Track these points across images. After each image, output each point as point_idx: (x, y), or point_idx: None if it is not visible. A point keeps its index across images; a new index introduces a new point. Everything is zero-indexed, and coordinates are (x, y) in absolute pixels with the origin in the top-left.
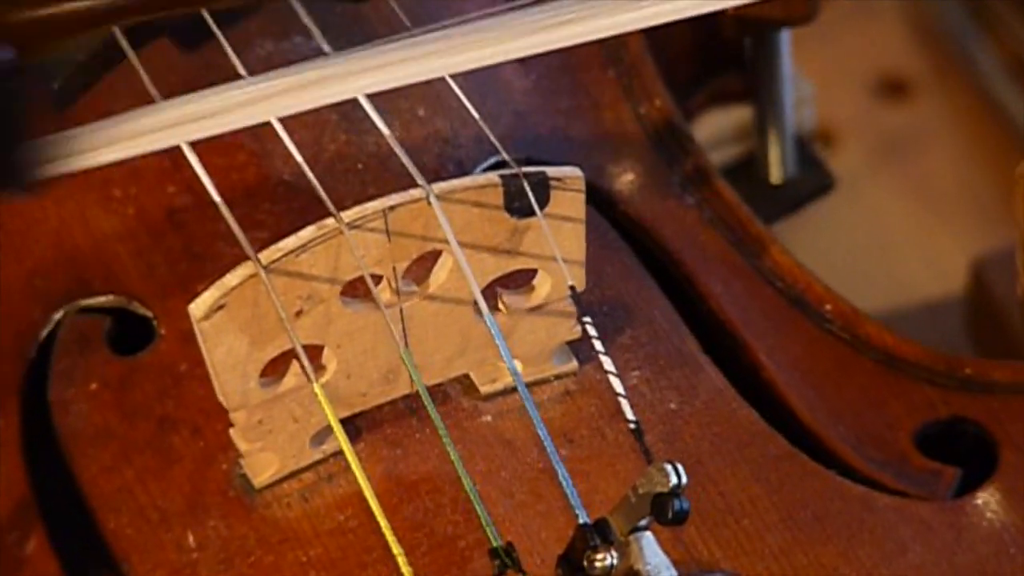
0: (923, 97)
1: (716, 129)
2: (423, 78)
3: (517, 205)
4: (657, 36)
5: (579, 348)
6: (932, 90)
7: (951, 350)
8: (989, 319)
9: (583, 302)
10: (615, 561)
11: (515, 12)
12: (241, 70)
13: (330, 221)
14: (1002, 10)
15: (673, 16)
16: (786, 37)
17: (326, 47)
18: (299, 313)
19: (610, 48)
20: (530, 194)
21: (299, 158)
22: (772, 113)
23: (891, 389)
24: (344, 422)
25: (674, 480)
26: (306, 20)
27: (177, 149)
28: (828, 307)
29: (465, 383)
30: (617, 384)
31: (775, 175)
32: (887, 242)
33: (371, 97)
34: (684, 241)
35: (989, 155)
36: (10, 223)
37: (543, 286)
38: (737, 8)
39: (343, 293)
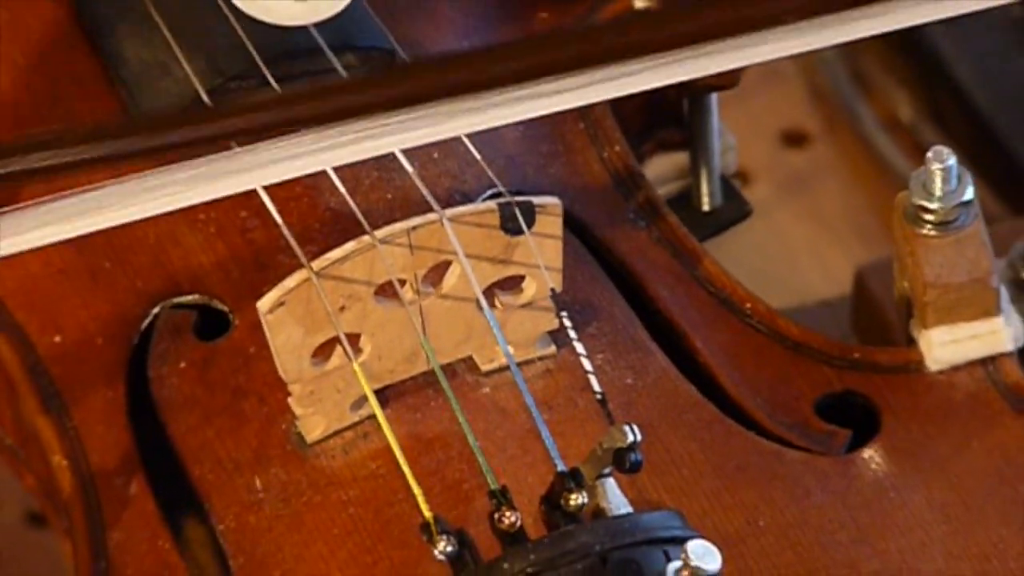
0: (818, 144)
1: (661, 170)
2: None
3: (510, 226)
4: (615, 98)
5: (556, 336)
6: (825, 139)
7: (842, 339)
8: (870, 315)
9: (560, 301)
10: (586, 500)
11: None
12: None
13: (367, 237)
14: (878, 76)
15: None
16: (715, 99)
17: None
18: (342, 308)
19: (580, 107)
20: (520, 218)
21: (343, 190)
22: (704, 158)
23: (796, 369)
24: (376, 392)
25: (631, 438)
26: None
27: None
28: (748, 306)
29: (468, 362)
30: (587, 364)
31: (705, 205)
32: (791, 255)
33: None
34: (637, 255)
35: (869, 189)
36: (119, 241)
37: (529, 288)
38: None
39: (376, 293)
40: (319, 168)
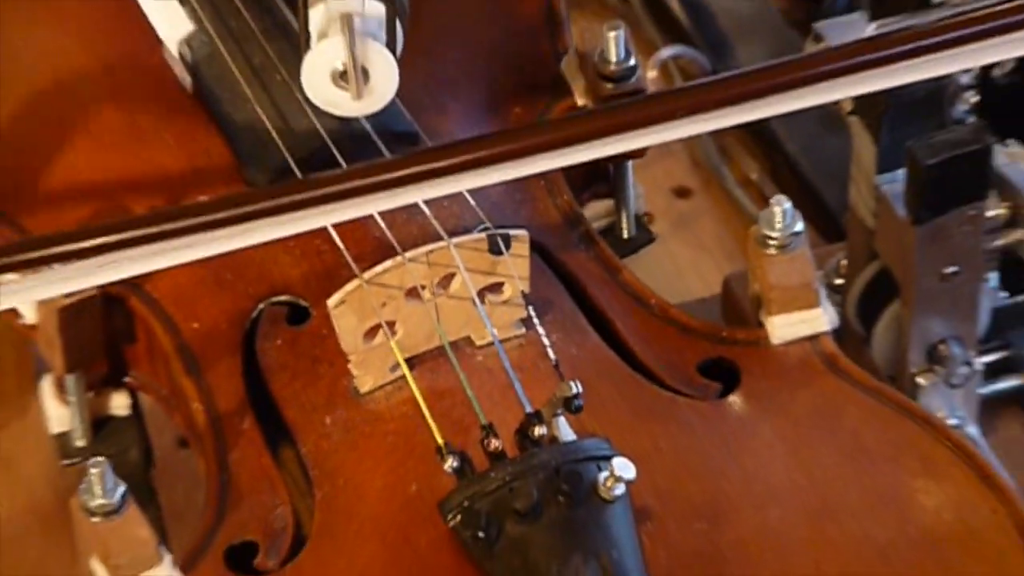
0: (697, 196)
1: (595, 211)
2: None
3: (494, 249)
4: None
5: (526, 322)
6: (701, 193)
7: (714, 324)
8: (733, 308)
9: (528, 299)
10: (545, 432)
11: None
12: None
13: (399, 257)
14: (736, 150)
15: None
16: (630, 165)
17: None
18: (383, 304)
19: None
20: (501, 244)
21: (383, 226)
22: (623, 203)
23: (684, 343)
24: (406, 360)
25: (575, 390)
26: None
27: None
28: (653, 301)
29: (467, 340)
30: (545, 340)
31: (624, 234)
32: (680, 269)
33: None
34: (579, 268)
35: (732, 225)
36: (237, 260)
37: (507, 291)
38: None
39: (406, 294)
40: (369, 212)
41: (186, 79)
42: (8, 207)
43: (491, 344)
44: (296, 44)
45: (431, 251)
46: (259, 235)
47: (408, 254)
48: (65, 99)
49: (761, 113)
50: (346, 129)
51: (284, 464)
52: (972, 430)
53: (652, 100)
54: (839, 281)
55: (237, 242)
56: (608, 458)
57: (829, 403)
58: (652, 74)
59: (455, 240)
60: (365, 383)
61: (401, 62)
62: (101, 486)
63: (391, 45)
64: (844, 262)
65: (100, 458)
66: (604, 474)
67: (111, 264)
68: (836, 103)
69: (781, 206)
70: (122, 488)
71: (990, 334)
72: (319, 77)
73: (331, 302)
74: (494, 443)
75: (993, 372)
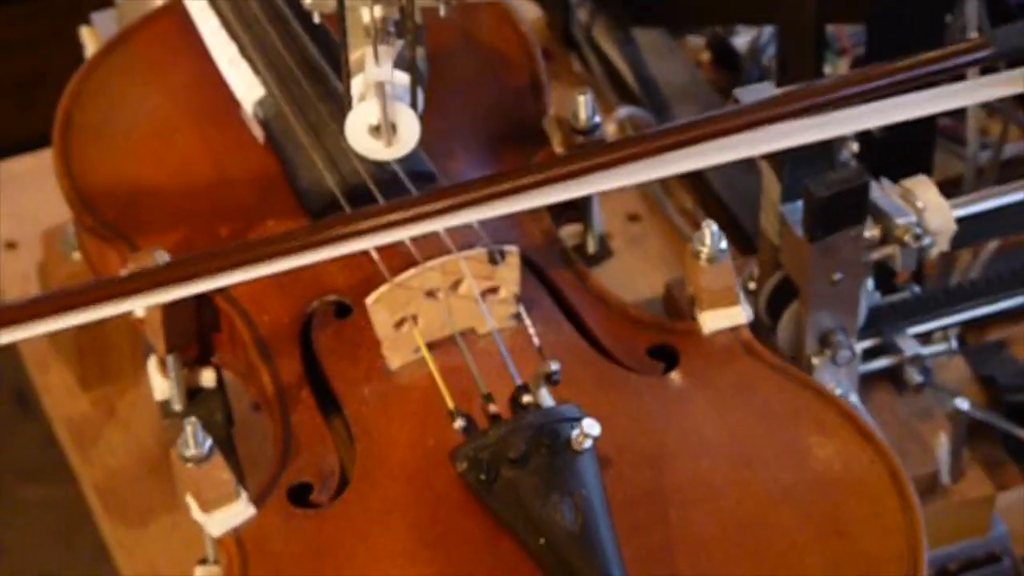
0: (645, 220)
1: (568, 232)
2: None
3: (493, 260)
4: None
5: (516, 316)
6: (648, 218)
7: (660, 318)
8: (673, 306)
9: (518, 299)
10: (531, 400)
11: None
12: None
13: (421, 266)
14: (675, 186)
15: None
16: (595, 196)
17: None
18: (408, 303)
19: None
20: (498, 256)
21: (409, 244)
22: (589, 226)
23: (636, 332)
24: (426, 345)
25: (554, 367)
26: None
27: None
28: (612, 301)
29: (471, 329)
30: (531, 330)
31: (590, 250)
32: (631, 276)
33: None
34: (557, 275)
35: (672, 243)
36: (293, 277)
37: (503, 292)
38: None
39: (426, 295)
40: (402, 238)
41: (258, 132)
42: (127, 230)
43: (490, 333)
44: (342, 105)
45: (445, 262)
46: (319, 255)
47: (427, 264)
48: (164, 146)
49: (694, 165)
50: (380, 170)
51: (332, 424)
52: (854, 398)
53: (612, 146)
54: (752, 286)
55: (302, 261)
56: (579, 419)
57: (746, 378)
58: (611, 128)
59: (463, 254)
60: (394, 362)
61: (422, 118)
62: (193, 440)
63: (414, 105)
64: (756, 271)
65: (192, 419)
66: (576, 432)
67: (207, 279)
68: None
69: (710, 228)
70: (209, 441)
71: (867, 326)
72: (359, 130)
73: (369, 300)
74: (492, 408)
75: (869, 355)
